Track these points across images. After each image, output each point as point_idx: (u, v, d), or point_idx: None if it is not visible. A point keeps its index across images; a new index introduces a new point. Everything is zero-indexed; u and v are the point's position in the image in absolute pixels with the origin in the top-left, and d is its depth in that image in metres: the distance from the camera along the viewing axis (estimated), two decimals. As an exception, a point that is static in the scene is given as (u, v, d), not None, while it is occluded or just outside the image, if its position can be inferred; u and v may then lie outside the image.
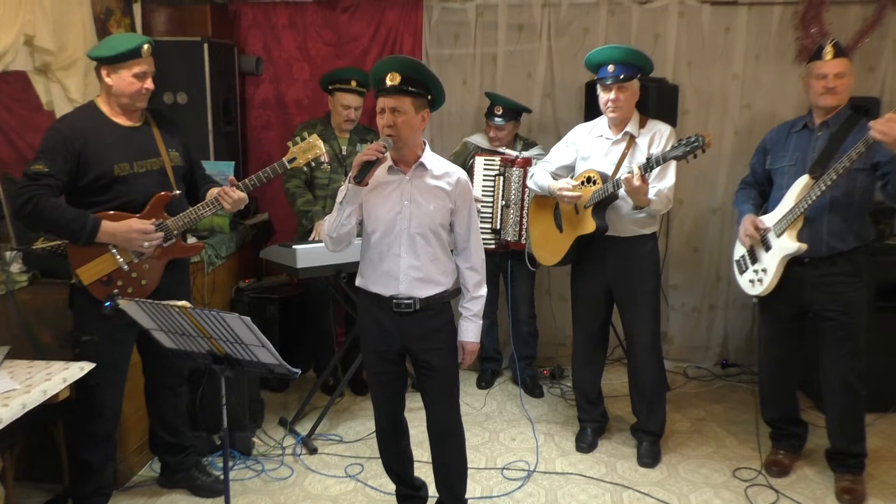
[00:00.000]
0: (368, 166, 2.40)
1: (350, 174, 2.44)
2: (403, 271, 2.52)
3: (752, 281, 3.18)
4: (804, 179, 2.98)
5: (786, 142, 3.16)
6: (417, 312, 2.55)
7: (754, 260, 3.17)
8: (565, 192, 3.26)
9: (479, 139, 4.16)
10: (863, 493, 3.11)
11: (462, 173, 2.61)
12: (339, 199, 2.50)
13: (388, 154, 2.47)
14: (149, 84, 2.77)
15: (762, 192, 3.28)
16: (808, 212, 2.95)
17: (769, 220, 3.10)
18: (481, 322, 2.70)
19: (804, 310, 3.15)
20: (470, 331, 2.67)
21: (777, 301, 3.15)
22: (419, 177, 2.53)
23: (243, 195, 2.87)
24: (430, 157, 2.56)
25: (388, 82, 2.41)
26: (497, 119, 3.99)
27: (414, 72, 2.43)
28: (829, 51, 2.97)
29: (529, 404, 4.09)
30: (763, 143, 3.30)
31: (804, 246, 2.97)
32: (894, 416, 3.84)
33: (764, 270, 3.11)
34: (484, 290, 2.69)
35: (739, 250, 3.26)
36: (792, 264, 3.04)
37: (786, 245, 3.01)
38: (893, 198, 2.95)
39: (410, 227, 2.51)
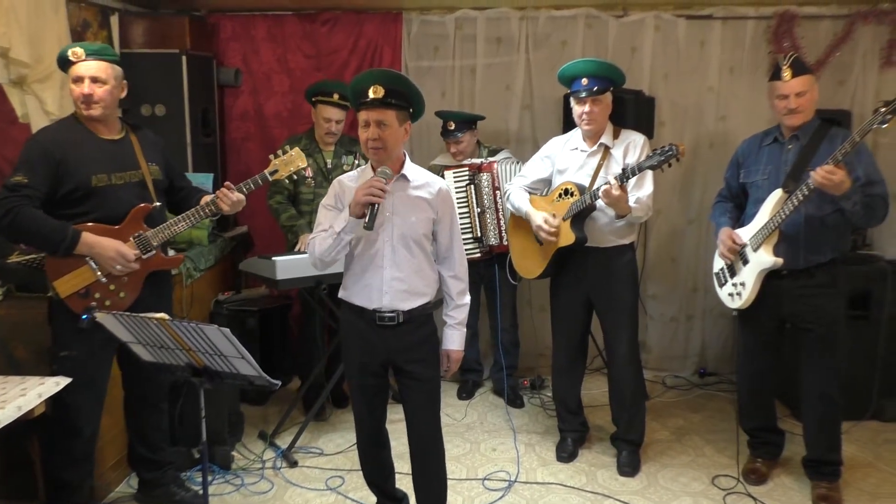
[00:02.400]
0: (374, 208, 2.36)
1: (351, 208, 2.38)
2: (387, 283, 2.52)
3: (731, 294, 3.19)
4: (777, 193, 3.00)
5: (757, 155, 3.18)
6: (401, 325, 2.55)
7: (733, 273, 3.18)
8: (542, 233, 3.30)
9: (442, 159, 4.20)
10: (839, 500, 3.15)
11: (442, 182, 2.63)
12: (336, 228, 2.44)
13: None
14: (86, 88, 2.69)
15: (738, 205, 3.30)
16: (783, 226, 2.97)
17: (745, 233, 3.12)
18: (465, 330, 2.72)
19: (783, 321, 3.17)
20: (455, 339, 2.69)
21: (757, 313, 3.16)
22: (401, 188, 2.54)
23: (242, 196, 2.87)
24: (410, 168, 2.58)
25: (372, 95, 2.40)
26: (453, 134, 4.03)
27: (397, 84, 2.44)
28: (786, 72, 2.98)
29: (510, 414, 4.10)
30: (735, 156, 3.32)
31: (780, 260, 2.98)
32: (869, 423, 3.91)
33: (742, 284, 3.12)
34: (468, 298, 2.72)
35: (718, 263, 3.28)
36: (770, 277, 3.06)
37: (763, 259, 3.02)
38: (856, 226, 3.00)
39: (394, 238, 2.51)
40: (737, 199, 3.31)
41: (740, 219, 3.24)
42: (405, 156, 2.58)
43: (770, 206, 3.02)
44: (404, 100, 2.45)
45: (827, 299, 3.06)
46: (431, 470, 2.74)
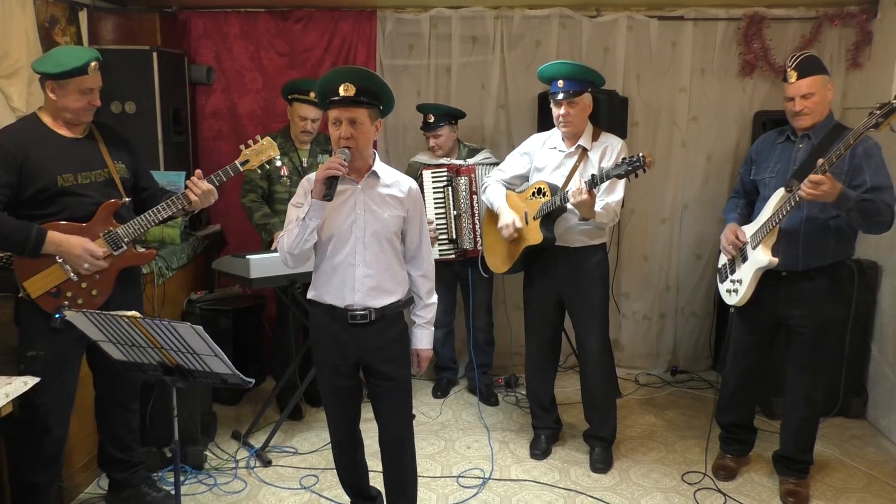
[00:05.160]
0: (334, 182, 2.38)
1: (313, 191, 2.40)
2: (359, 281, 2.51)
3: (729, 291, 3.19)
4: (780, 192, 2.95)
5: (770, 153, 3.15)
6: (373, 323, 2.55)
7: (733, 270, 3.17)
8: (504, 231, 3.34)
9: (423, 157, 4.18)
10: (806, 496, 3.20)
11: (412, 182, 2.64)
12: (301, 215, 2.43)
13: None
14: (95, 100, 2.72)
15: (750, 202, 3.26)
16: (782, 225, 2.94)
17: (749, 230, 3.10)
18: (433, 329, 2.73)
19: (779, 323, 3.15)
20: (424, 338, 2.70)
21: (753, 312, 3.15)
22: (371, 186, 2.54)
23: (211, 187, 2.83)
24: (380, 166, 2.58)
25: (343, 93, 2.39)
26: (432, 126, 4.02)
27: (367, 82, 2.43)
28: (791, 74, 2.92)
29: (485, 412, 4.11)
30: (750, 152, 3.30)
31: (775, 260, 2.95)
32: (835, 420, 3.98)
33: (739, 281, 3.11)
34: (435, 298, 2.72)
35: (722, 259, 3.26)
36: (770, 277, 3.02)
37: (759, 258, 2.99)
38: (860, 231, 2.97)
39: (365, 235, 2.51)
40: (749, 195, 3.27)
41: (751, 216, 3.20)
42: (375, 154, 2.58)
43: (772, 205, 2.98)
44: (374, 98, 2.45)
45: (825, 304, 3.03)
46: (403, 468, 2.74)
